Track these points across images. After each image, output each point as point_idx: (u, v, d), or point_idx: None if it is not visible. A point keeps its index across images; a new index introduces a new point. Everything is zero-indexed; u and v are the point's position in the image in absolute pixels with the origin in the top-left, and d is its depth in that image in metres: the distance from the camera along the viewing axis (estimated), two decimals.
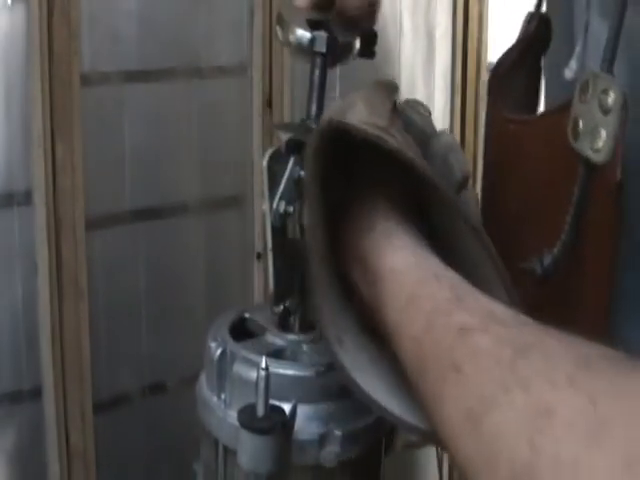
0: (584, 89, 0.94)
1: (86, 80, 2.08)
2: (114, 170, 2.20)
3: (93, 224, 2.16)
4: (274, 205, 0.95)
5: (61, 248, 2.09)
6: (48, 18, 1.97)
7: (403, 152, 0.75)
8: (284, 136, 0.96)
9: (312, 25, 1.00)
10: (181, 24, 2.22)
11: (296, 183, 0.96)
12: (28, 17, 1.96)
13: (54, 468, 2.16)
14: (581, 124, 0.93)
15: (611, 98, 0.90)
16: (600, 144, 0.90)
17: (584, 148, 0.94)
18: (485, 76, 2.47)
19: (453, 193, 0.82)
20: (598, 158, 0.92)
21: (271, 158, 0.95)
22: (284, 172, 0.95)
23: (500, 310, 0.64)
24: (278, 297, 1.00)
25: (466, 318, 0.62)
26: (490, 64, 2.46)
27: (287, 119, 2.30)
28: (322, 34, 0.99)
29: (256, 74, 2.30)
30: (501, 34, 2.48)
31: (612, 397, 0.50)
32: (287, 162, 0.96)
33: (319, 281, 0.78)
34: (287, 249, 0.99)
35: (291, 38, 1.01)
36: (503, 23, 2.47)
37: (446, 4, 2.45)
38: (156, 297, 2.31)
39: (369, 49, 1.08)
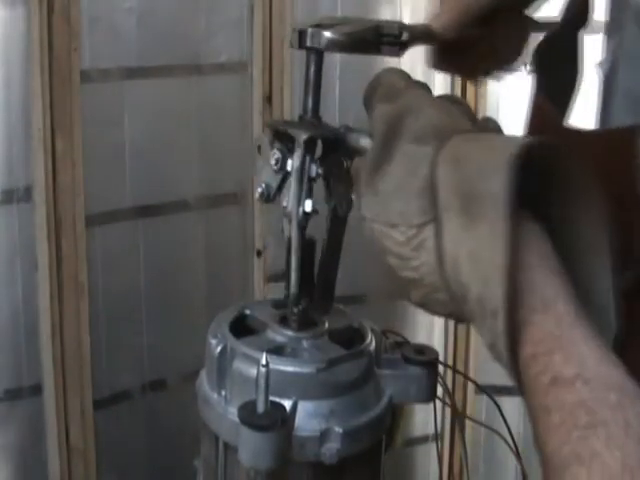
0: None
1: (86, 77, 2.09)
2: (114, 166, 2.20)
3: (93, 220, 2.16)
4: (300, 205, 0.95)
5: (61, 244, 2.09)
6: (48, 15, 1.97)
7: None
8: (303, 135, 0.96)
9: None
10: (181, 21, 2.23)
11: (311, 182, 0.96)
12: (28, 14, 1.96)
13: (54, 464, 2.17)
14: None
15: None
16: None
17: None
18: None
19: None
20: None
21: (300, 159, 0.95)
22: (303, 171, 0.95)
23: (591, 358, 0.70)
24: (297, 298, 1.00)
25: (561, 366, 0.69)
26: None
27: (287, 116, 2.30)
28: (317, 30, 0.99)
29: (256, 71, 2.30)
30: None
31: None
32: (305, 161, 0.95)
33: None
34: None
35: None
36: None
37: None
38: (156, 293, 2.32)
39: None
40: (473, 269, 0.75)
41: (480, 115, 0.90)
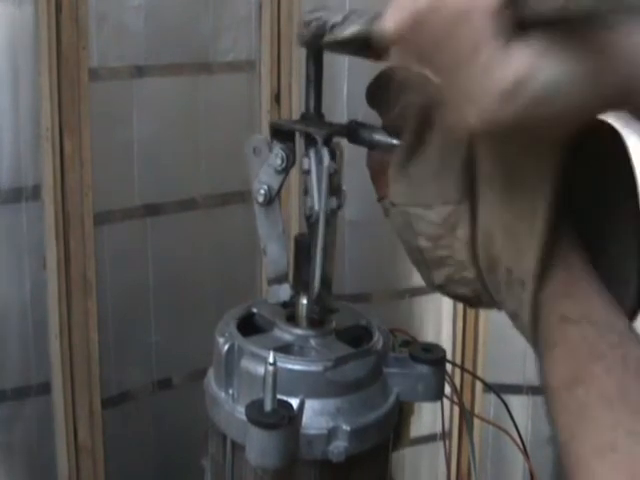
0: None
1: (94, 75, 2.09)
2: (122, 165, 2.20)
3: (101, 219, 2.16)
4: (324, 202, 0.94)
5: (69, 243, 2.10)
6: (56, 14, 1.97)
7: None
8: (322, 133, 0.95)
9: None
10: (189, 20, 2.23)
11: (331, 178, 0.96)
12: (37, 13, 1.96)
13: (62, 463, 2.17)
14: None
15: None
16: None
17: None
18: None
19: None
20: None
21: (317, 157, 0.94)
22: (323, 169, 0.95)
23: (599, 306, 0.74)
24: (317, 296, 0.99)
25: (569, 308, 0.74)
26: None
27: (295, 115, 2.29)
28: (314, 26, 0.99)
29: (264, 70, 2.30)
30: None
31: None
32: (324, 158, 0.95)
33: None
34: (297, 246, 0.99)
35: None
36: None
37: None
38: (164, 292, 2.32)
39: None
40: (507, 241, 0.77)
41: None
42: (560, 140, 0.74)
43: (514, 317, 0.79)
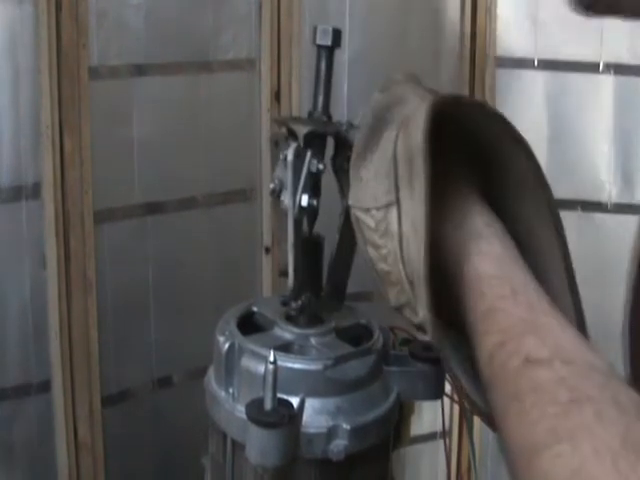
0: None
1: (94, 73, 2.09)
2: (122, 163, 2.20)
3: (101, 217, 2.16)
4: (297, 199, 0.95)
5: (69, 241, 2.09)
6: (56, 12, 1.97)
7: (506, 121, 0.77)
8: (303, 129, 0.96)
9: None
10: (189, 18, 2.23)
11: (314, 176, 0.96)
12: (37, 11, 1.96)
13: (62, 460, 2.17)
14: None
15: None
16: None
17: None
18: (493, 70, 2.47)
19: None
20: None
21: (295, 153, 0.95)
22: (302, 165, 0.95)
23: (570, 345, 0.65)
24: (297, 292, 1.00)
25: (534, 347, 0.64)
26: (498, 58, 2.46)
27: (295, 113, 2.30)
28: (327, 27, 0.99)
29: (264, 68, 2.30)
30: (509, 27, 2.47)
31: None
32: (305, 155, 0.96)
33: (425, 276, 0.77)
34: (303, 244, 0.99)
35: None
36: (511, 16, 2.46)
37: None
38: (164, 290, 2.32)
39: None
40: (413, 239, 0.74)
41: None
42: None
43: (421, 329, 0.75)
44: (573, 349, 0.65)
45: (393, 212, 0.78)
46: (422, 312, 0.73)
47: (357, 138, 0.87)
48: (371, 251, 0.82)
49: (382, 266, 0.81)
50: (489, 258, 0.74)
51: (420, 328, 0.82)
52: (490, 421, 0.71)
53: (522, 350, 0.64)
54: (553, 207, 0.79)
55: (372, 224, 0.81)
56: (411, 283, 0.76)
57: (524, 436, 0.60)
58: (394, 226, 0.78)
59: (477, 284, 0.72)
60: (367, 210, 0.81)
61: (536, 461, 0.57)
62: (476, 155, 0.82)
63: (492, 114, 0.79)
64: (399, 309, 0.83)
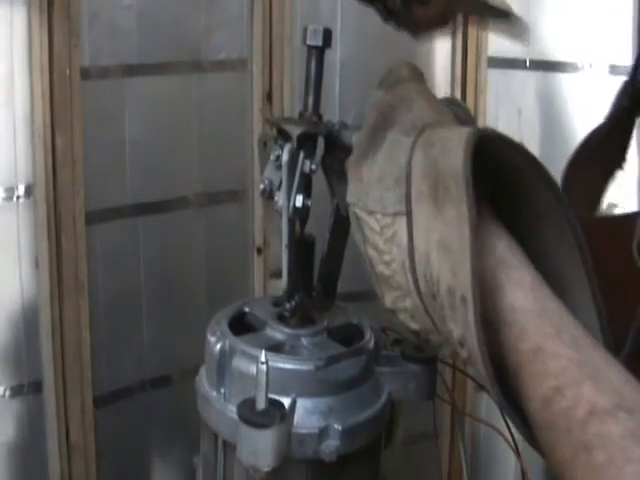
0: None
1: (86, 74, 2.09)
2: (114, 164, 2.20)
3: (93, 218, 2.16)
4: (291, 200, 0.95)
5: (61, 242, 2.09)
6: (48, 12, 1.97)
7: (538, 162, 0.76)
8: (296, 130, 0.96)
9: None
10: (181, 18, 2.23)
11: (306, 177, 0.96)
12: (29, 12, 1.96)
13: (54, 461, 2.17)
14: None
15: None
16: None
17: None
18: (484, 70, 2.48)
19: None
20: None
21: (289, 154, 0.95)
22: (295, 166, 0.95)
23: (625, 388, 0.65)
24: (290, 293, 1.00)
25: (595, 397, 0.63)
26: (490, 58, 2.46)
27: (287, 113, 2.30)
28: (317, 27, 0.99)
29: (256, 68, 2.30)
30: None
31: None
32: (298, 156, 0.96)
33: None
34: (295, 245, 0.99)
35: None
36: None
37: None
38: (156, 291, 2.32)
39: None
40: (443, 258, 0.73)
41: (480, 113, 0.91)
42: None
43: (462, 344, 0.72)
44: (630, 393, 0.65)
45: (402, 223, 0.77)
46: (465, 331, 0.71)
47: (359, 136, 0.86)
48: (371, 252, 0.81)
49: (382, 269, 0.80)
50: (522, 290, 0.72)
51: (415, 333, 0.82)
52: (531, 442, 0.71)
53: (583, 400, 0.64)
54: (578, 237, 0.78)
55: (376, 227, 0.80)
56: (428, 296, 0.76)
57: None
58: (402, 237, 0.77)
59: (516, 319, 0.71)
60: (371, 212, 0.81)
61: None
62: (492, 186, 0.82)
63: (516, 145, 0.78)
64: (393, 312, 0.82)
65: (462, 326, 0.70)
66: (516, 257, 0.75)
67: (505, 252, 0.75)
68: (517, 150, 0.77)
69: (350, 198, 0.85)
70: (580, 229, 0.78)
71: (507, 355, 0.71)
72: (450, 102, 0.93)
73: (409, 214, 0.76)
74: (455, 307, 0.71)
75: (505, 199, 0.80)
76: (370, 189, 0.82)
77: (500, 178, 0.79)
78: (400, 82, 0.89)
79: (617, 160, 1.24)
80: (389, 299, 0.81)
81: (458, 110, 0.92)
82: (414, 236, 0.76)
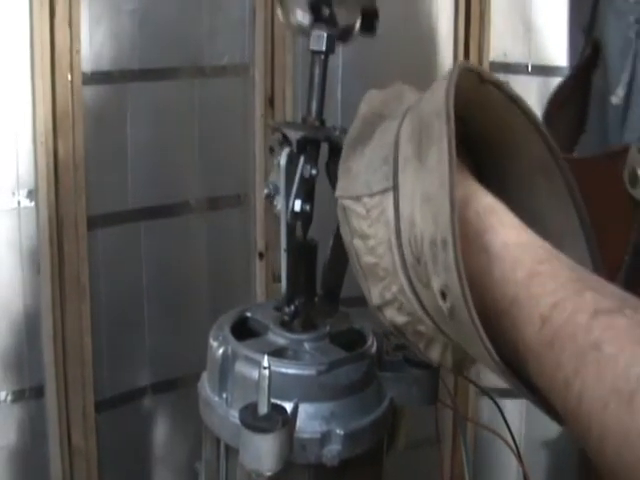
0: None
1: (88, 79, 2.09)
2: (116, 169, 2.20)
3: (95, 222, 2.16)
4: (290, 204, 0.95)
5: (63, 246, 2.09)
6: (50, 18, 1.97)
7: (521, 100, 0.77)
8: (296, 134, 0.96)
9: (313, 5, 1.00)
10: (183, 24, 2.23)
11: (307, 182, 0.96)
12: (31, 16, 1.96)
13: (56, 466, 2.17)
14: (639, 172, 0.94)
15: None
16: None
17: None
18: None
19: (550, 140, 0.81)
20: None
21: (288, 158, 0.95)
22: (295, 171, 0.96)
23: (627, 295, 0.65)
24: (290, 297, 1.00)
25: (599, 300, 0.64)
26: (492, 63, 2.47)
27: (289, 118, 2.30)
28: (322, 33, 1.00)
29: (258, 73, 2.30)
30: (503, 34, 2.48)
31: None
32: (298, 161, 0.96)
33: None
34: (297, 249, 1.00)
35: (292, 19, 1.01)
36: (504, 22, 2.47)
37: (448, 3, 2.46)
38: (158, 296, 2.32)
39: (370, 26, 1.07)
40: (426, 211, 0.72)
41: None
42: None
43: (445, 294, 0.70)
44: (631, 297, 0.65)
45: (389, 198, 0.77)
46: (446, 277, 0.69)
47: (349, 132, 0.87)
48: (357, 243, 0.82)
49: (368, 259, 0.81)
50: (513, 227, 0.73)
51: (398, 330, 0.82)
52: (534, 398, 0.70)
53: (586, 305, 0.64)
54: (572, 189, 0.79)
55: (362, 212, 0.80)
56: (405, 267, 0.75)
57: (615, 381, 0.59)
58: (389, 212, 0.77)
59: (509, 253, 0.71)
60: (358, 198, 0.81)
61: (637, 396, 0.58)
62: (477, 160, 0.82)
63: (511, 95, 0.78)
64: (380, 308, 0.82)
65: (443, 273, 0.69)
66: (504, 208, 0.75)
67: (494, 202, 0.76)
68: (501, 88, 0.80)
69: (338, 192, 0.85)
70: (570, 174, 0.78)
71: (496, 296, 0.71)
72: None
73: (396, 187, 0.76)
74: (437, 257, 0.70)
75: (490, 172, 0.82)
76: (357, 177, 0.82)
77: (485, 143, 0.80)
78: (394, 83, 0.91)
79: (582, 116, 1.25)
80: (375, 293, 0.81)
81: None
82: (400, 206, 0.76)
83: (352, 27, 1.05)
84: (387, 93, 0.88)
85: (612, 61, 1.16)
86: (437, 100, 0.73)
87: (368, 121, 0.85)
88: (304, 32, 1.02)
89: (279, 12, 1.04)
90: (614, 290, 0.66)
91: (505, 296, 0.70)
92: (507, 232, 0.73)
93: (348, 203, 0.83)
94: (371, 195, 0.79)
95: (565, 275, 0.68)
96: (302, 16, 1.01)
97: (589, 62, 1.22)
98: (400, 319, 0.80)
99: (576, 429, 0.63)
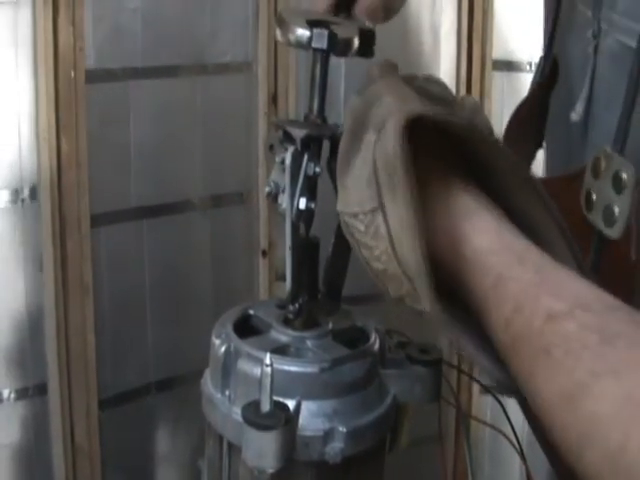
0: (596, 166, 0.95)
1: (91, 77, 2.09)
2: (119, 166, 2.20)
3: (98, 220, 2.16)
4: (295, 202, 0.95)
5: (66, 244, 2.09)
6: (54, 16, 1.97)
7: (468, 125, 0.78)
8: (300, 132, 0.96)
9: (312, 24, 1.00)
10: (186, 21, 2.23)
11: (310, 179, 0.96)
12: (34, 15, 1.96)
13: (59, 464, 2.17)
14: (594, 197, 0.94)
15: (624, 179, 0.91)
16: (613, 221, 0.92)
17: (597, 221, 0.96)
18: (490, 73, 2.48)
19: (510, 153, 0.82)
20: (612, 234, 0.95)
21: (292, 156, 0.95)
22: (299, 169, 0.96)
23: (585, 294, 0.68)
24: (294, 295, 1.00)
25: (552, 303, 0.66)
26: (495, 61, 2.47)
27: (292, 116, 2.30)
28: (322, 31, 0.99)
29: (261, 71, 2.30)
30: (506, 31, 2.48)
31: None
32: (301, 159, 0.96)
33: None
34: (300, 247, 0.99)
35: (291, 37, 1.01)
36: (508, 20, 2.47)
37: (451, 1, 2.45)
38: (161, 293, 2.32)
39: (368, 48, 1.08)
40: (405, 239, 0.75)
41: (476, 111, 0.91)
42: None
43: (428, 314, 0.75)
44: (589, 295, 0.67)
45: (379, 216, 0.78)
46: (428, 306, 0.74)
47: (340, 144, 0.87)
48: (364, 252, 0.82)
49: (377, 265, 0.81)
50: (485, 232, 0.75)
51: (422, 313, 0.83)
52: (515, 394, 0.73)
53: (540, 310, 0.66)
54: (539, 190, 0.80)
55: (362, 228, 0.81)
56: (409, 279, 0.77)
57: (561, 385, 0.62)
58: (382, 228, 0.78)
59: (479, 259, 0.73)
60: (355, 215, 0.82)
61: (580, 403, 0.60)
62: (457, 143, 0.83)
63: (455, 122, 0.80)
64: (400, 299, 0.83)
65: (422, 298, 0.75)
66: (478, 203, 0.77)
67: (467, 201, 0.77)
68: (458, 126, 0.79)
69: (339, 207, 0.86)
70: (539, 184, 0.80)
71: (472, 301, 0.74)
72: (425, 80, 0.93)
73: (382, 206, 0.78)
74: (416, 282, 0.74)
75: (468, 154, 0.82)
76: (352, 194, 0.83)
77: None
78: (371, 82, 0.90)
79: (539, 135, 1.25)
80: (391, 289, 0.83)
81: (434, 86, 0.92)
82: (389, 225, 0.77)
83: (350, 43, 1.05)
84: (367, 97, 0.88)
85: (571, 77, 1.15)
86: (391, 145, 0.75)
87: (353, 132, 0.85)
88: (304, 48, 1.02)
89: (278, 32, 1.04)
90: (572, 287, 0.68)
91: (477, 300, 0.73)
92: (479, 238, 0.74)
93: (348, 219, 0.83)
94: (365, 213, 0.80)
95: (527, 279, 0.70)
96: (302, 34, 1.01)
97: (548, 82, 1.22)
98: (420, 307, 0.81)
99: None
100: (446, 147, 0.82)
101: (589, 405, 0.60)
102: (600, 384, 0.59)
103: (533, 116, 1.25)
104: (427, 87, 0.91)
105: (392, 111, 0.82)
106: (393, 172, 0.75)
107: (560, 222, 0.79)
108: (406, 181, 0.73)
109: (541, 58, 1.25)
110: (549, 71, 1.22)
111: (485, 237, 0.74)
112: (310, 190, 0.97)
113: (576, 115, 1.07)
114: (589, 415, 0.60)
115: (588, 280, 0.69)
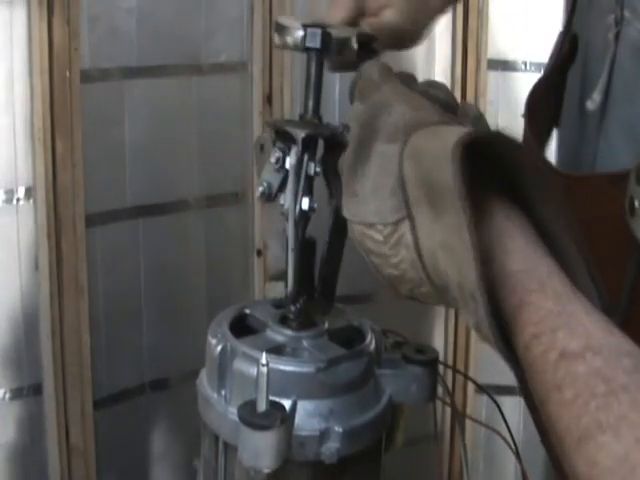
0: None
1: (86, 76, 2.09)
2: (114, 166, 2.20)
3: (93, 220, 2.16)
4: (298, 203, 0.95)
5: (61, 244, 2.09)
6: (49, 16, 1.97)
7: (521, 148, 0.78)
8: (301, 133, 0.96)
9: (306, 26, 1.00)
10: (181, 21, 2.23)
11: (311, 180, 0.96)
12: (29, 15, 1.96)
13: (54, 464, 2.17)
14: (637, 204, 0.94)
15: None
16: None
17: (639, 228, 0.95)
18: (485, 72, 2.48)
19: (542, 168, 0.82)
20: None
21: (296, 156, 0.95)
22: (301, 169, 0.95)
23: (597, 335, 0.69)
24: (295, 296, 1.00)
25: (567, 341, 0.68)
26: (490, 60, 2.47)
27: (287, 116, 2.30)
28: (316, 30, 0.99)
29: (256, 71, 2.30)
30: (500, 30, 2.48)
31: None
32: (302, 159, 0.96)
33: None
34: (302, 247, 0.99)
35: (286, 39, 1.01)
36: (503, 19, 2.47)
37: None
38: (156, 293, 2.32)
39: (368, 50, 1.07)
40: (448, 257, 0.75)
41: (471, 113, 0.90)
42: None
43: (477, 330, 0.76)
44: (601, 335, 0.69)
45: (406, 227, 0.79)
46: (484, 316, 0.74)
47: (346, 152, 0.87)
48: (375, 259, 0.83)
49: (391, 271, 0.82)
50: (514, 255, 0.76)
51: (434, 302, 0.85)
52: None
53: (556, 345, 0.69)
54: (562, 207, 0.80)
55: (379, 237, 0.81)
56: (440, 287, 0.78)
57: (569, 425, 0.66)
58: (409, 239, 0.79)
59: (506, 281, 0.75)
60: (371, 225, 0.82)
61: (583, 448, 0.64)
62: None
63: (505, 141, 0.79)
64: (410, 298, 0.85)
65: (475, 317, 0.74)
66: (510, 222, 0.78)
67: (499, 220, 0.78)
68: (505, 144, 0.78)
69: (347, 214, 0.85)
70: (565, 203, 0.80)
71: (503, 316, 0.76)
72: (429, 85, 0.93)
73: (411, 218, 0.78)
74: (466, 301, 0.74)
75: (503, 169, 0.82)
76: (366, 203, 0.82)
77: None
78: (374, 88, 0.90)
79: (556, 112, 1.24)
80: (404, 290, 0.84)
81: (438, 93, 0.92)
82: (419, 237, 0.78)
83: (346, 43, 1.05)
84: (372, 105, 0.87)
85: (589, 60, 1.14)
86: (444, 174, 0.74)
87: (361, 139, 0.84)
88: (299, 49, 1.03)
89: (275, 37, 1.04)
90: (587, 323, 0.70)
91: (506, 315, 0.75)
92: (507, 259, 0.76)
93: (361, 228, 0.83)
94: (385, 224, 0.80)
95: (547, 308, 0.72)
96: (296, 34, 1.01)
97: (566, 59, 1.21)
98: (434, 302, 0.84)
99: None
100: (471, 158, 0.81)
101: (593, 453, 0.63)
102: (603, 437, 0.62)
103: (550, 93, 1.23)
104: (431, 92, 0.91)
105: (408, 121, 0.82)
106: (448, 199, 0.74)
107: (580, 245, 0.80)
108: (467, 207, 0.73)
109: (560, 33, 1.23)
110: (568, 47, 1.21)
111: (512, 258, 0.76)
112: (310, 190, 0.97)
113: (592, 104, 1.06)
114: (592, 462, 0.63)
115: (599, 313, 0.72)
